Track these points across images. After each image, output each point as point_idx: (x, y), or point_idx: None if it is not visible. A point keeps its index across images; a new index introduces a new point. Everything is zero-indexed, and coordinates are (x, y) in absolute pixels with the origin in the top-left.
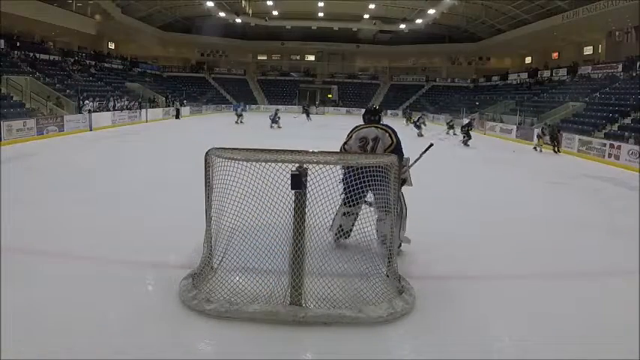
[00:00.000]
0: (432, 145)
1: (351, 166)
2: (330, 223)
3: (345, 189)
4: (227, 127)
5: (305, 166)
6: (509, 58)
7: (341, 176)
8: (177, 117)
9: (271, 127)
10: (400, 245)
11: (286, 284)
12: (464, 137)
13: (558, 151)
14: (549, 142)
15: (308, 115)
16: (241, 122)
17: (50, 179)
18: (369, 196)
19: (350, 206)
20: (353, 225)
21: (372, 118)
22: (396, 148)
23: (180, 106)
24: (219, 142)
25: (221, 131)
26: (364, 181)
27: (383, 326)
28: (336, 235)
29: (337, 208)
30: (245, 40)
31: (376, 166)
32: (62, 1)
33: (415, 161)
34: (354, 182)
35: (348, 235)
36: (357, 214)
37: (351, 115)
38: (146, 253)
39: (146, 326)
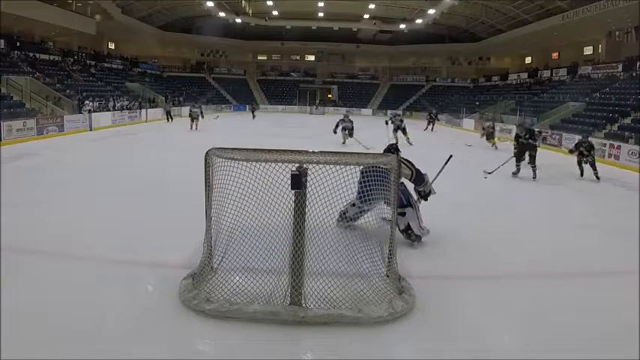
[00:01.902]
0: (451, 156)
1: (367, 168)
2: (334, 219)
3: (359, 185)
4: (225, 127)
5: (305, 166)
6: (509, 58)
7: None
8: (168, 119)
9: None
10: (420, 238)
11: (286, 284)
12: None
13: (597, 177)
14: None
15: (253, 114)
16: (196, 128)
17: (50, 179)
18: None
19: (358, 199)
20: (356, 216)
21: (390, 152)
22: (417, 177)
23: (173, 105)
24: (219, 142)
25: (220, 131)
26: (376, 181)
27: (383, 326)
28: (338, 217)
29: (340, 206)
30: (245, 40)
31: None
32: (62, 1)
33: (436, 176)
34: (365, 180)
35: (348, 222)
36: (363, 209)
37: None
38: (146, 253)
39: (146, 326)
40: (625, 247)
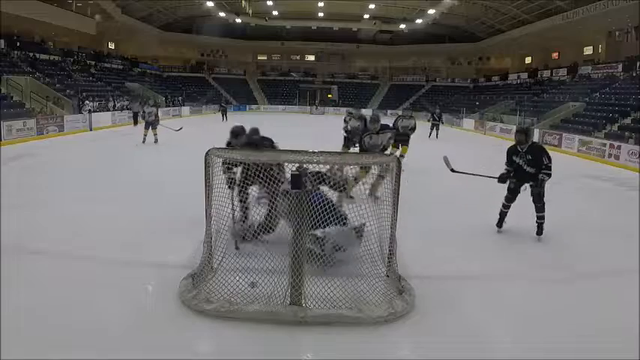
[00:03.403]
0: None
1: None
2: None
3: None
4: (225, 126)
5: (305, 166)
6: (509, 58)
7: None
8: (135, 123)
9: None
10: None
11: (286, 284)
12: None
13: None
14: None
15: (224, 115)
16: (155, 140)
17: (50, 179)
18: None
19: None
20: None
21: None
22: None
23: (143, 107)
24: (218, 142)
25: (219, 131)
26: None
27: (383, 326)
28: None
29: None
30: (245, 40)
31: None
32: (62, 1)
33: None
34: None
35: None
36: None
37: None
38: (146, 253)
39: (146, 326)
40: (625, 247)
